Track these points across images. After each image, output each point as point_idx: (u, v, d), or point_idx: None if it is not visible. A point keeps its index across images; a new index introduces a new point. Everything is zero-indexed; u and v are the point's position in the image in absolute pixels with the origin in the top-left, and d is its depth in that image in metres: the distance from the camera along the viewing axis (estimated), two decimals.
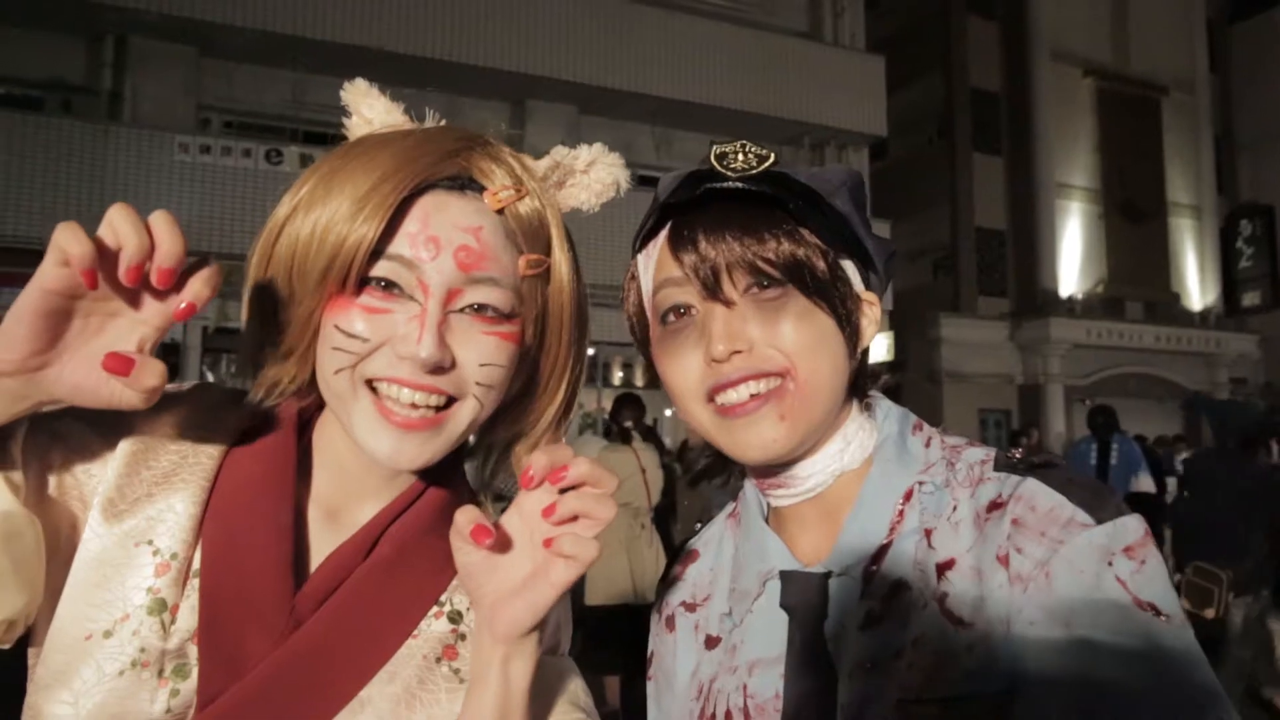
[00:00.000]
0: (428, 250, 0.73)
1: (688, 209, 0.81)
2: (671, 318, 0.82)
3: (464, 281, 0.74)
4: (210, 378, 10.05)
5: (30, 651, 0.74)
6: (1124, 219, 17.70)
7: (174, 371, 9.36)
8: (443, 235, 0.74)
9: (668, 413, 12.93)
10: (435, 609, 0.81)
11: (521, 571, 0.71)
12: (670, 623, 0.96)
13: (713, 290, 0.79)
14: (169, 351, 9.46)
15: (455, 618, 0.82)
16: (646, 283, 0.86)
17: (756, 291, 0.79)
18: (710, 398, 0.80)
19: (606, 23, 11.88)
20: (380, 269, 0.73)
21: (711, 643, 0.89)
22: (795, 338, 0.78)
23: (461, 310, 0.75)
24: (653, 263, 0.84)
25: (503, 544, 0.71)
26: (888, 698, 0.73)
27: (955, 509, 0.78)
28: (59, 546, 0.72)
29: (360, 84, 0.84)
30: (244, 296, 0.80)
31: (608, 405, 12.93)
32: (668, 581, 0.99)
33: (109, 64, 9.83)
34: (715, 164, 0.81)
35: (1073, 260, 17.39)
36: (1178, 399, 18.05)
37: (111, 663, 0.69)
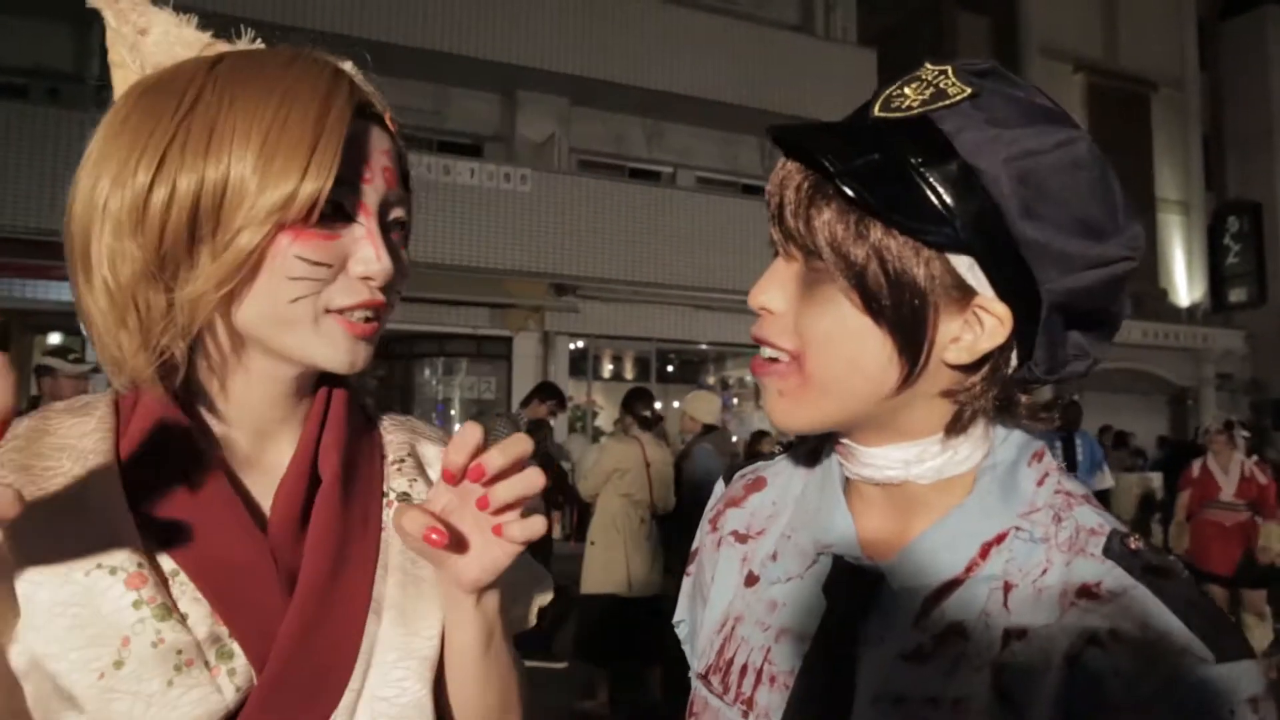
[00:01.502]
0: (366, 173, 0.77)
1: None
2: (773, 248, 0.75)
3: (392, 198, 0.79)
4: None
5: None
6: None
7: None
8: (373, 159, 0.78)
9: (657, 405, 12.94)
10: (385, 499, 0.85)
11: (475, 540, 0.75)
12: (718, 544, 0.92)
13: (777, 237, 0.72)
14: None
15: (405, 498, 0.86)
16: None
17: (808, 256, 0.69)
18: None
19: (598, 14, 11.85)
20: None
21: (751, 580, 0.85)
22: (814, 324, 0.69)
23: (386, 226, 0.79)
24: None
25: (455, 537, 0.74)
26: None
27: (1045, 572, 0.68)
28: None
29: None
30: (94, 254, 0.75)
31: (598, 398, 12.98)
32: (727, 501, 0.94)
33: (96, 52, 9.75)
34: (885, 94, 0.70)
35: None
36: (1164, 394, 18.16)
37: (147, 683, 0.68)
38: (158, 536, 0.73)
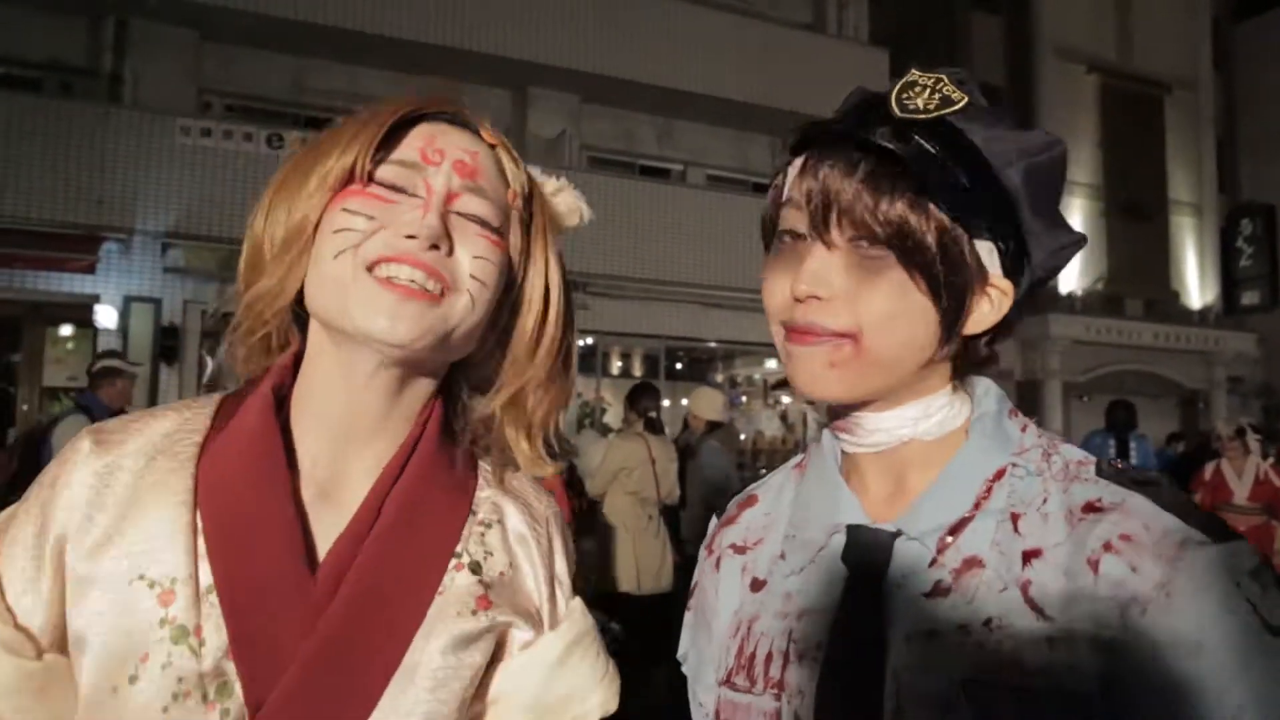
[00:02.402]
0: (434, 157, 0.79)
1: (837, 132, 0.78)
2: (787, 239, 0.80)
3: (461, 187, 0.80)
4: (209, 362, 10.04)
5: None
6: (1125, 216, 17.67)
7: (172, 355, 9.22)
8: (447, 149, 0.80)
9: (665, 403, 12.94)
10: (454, 561, 0.82)
11: None
12: (717, 564, 0.95)
13: (819, 227, 0.76)
14: (168, 334, 9.45)
15: (475, 569, 0.82)
16: (782, 192, 0.82)
17: (859, 244, 0.75)
18: (784, 325, 0.80)
19: (610, 12, 11.84)
20: (387, 172, 0.78)
21: (757, 585, 0.88)
22: (874, 305, 0.75)
23: (459, 214, 0.80)
24: (793, 175, 0.81)
25: None
26: (945, 670, 0.72)
27: (1046, 500, 0.76)
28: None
29: None
30: (240, 266, 0.83)
31: (606, 395, 12.98)
32: (722, 521, 0.99)
33: (109, 46, 9.78)
34: (894, 97, 0.76)
35: (1073, 257, 17.32)
36: (1174, 397, 18.06)
37: (152, 705, 0.69)
38: (210, 544, 0.73)
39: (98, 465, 0.76)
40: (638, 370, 13.45)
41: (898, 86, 0.77)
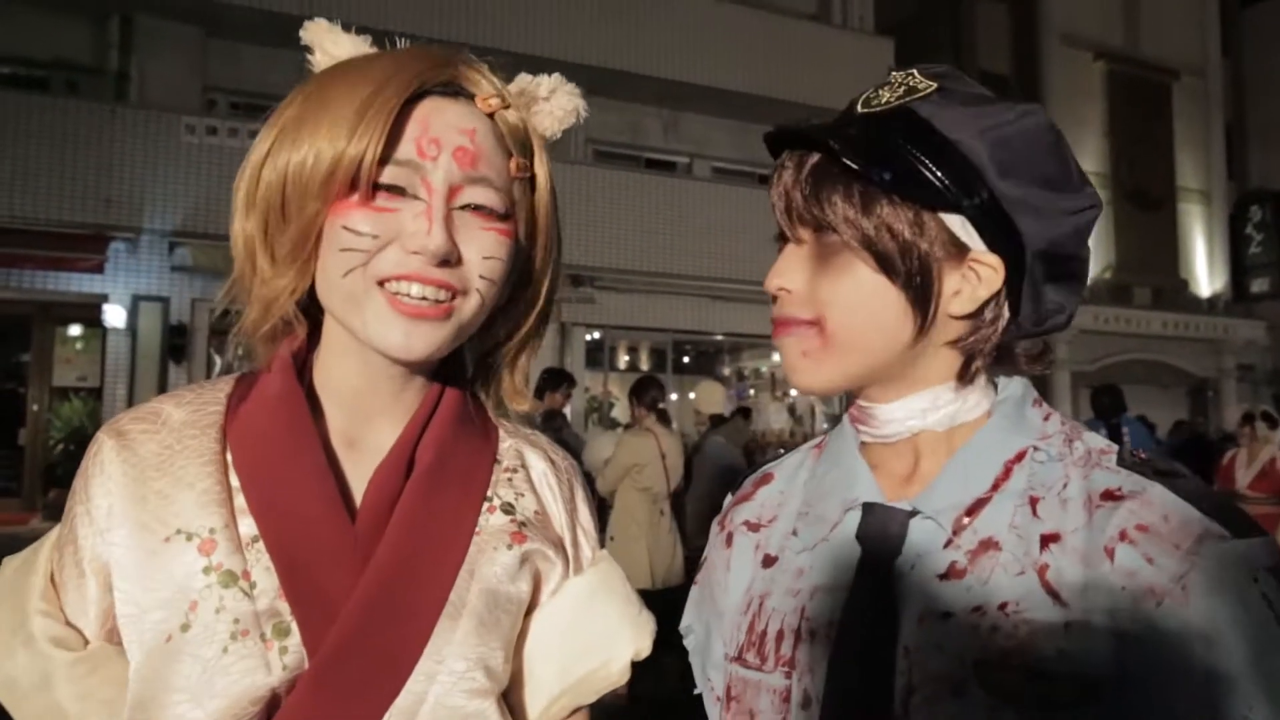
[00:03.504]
0: (430, 150, 0.77)
1: (789, 134, 0.81)
2: (778, 245, 0.84)
3: (463, 179, 0.78)
4: (217, 360, 10.07)
5: None
6: (1133, 205, 17.59)
7: (180, 353, 9.27)
8: (443, 136, 0.77)
9: (673, 396, 12.94)
10: (486, 505, 0.85)
11: None
12: (729, 539, 0.95)
13: (785, 227, 0.81)
14: (176, 333, 9.49)
15: (508, 509, 0.86)
16: None
17: (819, 234, 0.78)
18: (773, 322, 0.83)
19: (614, 4, 11.82)
20: (386, 175, 0.76)
21: (769, 561, 0.89)
22: (833, 290, 0.77)
23: (463, 208, 0.78)
24: None
25: None
26: (958, 651, 0.72)
27: (1066, 485, 0.76)
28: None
29: (321, 22, 0.86)
30: (237, 231, 0.83)
31: (614, 389, 12.99)
32: (736, 498, 0.99)
33: (115, 45, 9.81)
34: (863, 96, 0.81)
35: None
36: (1184, 386, 18.00)
37: (207, 648, 0.71)
38: (249, 499, 0.76)
39: (126, 455, 0.78)
40: (645, 364, 13.45)
41: (872, 87, 0.81)
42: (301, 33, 0.86)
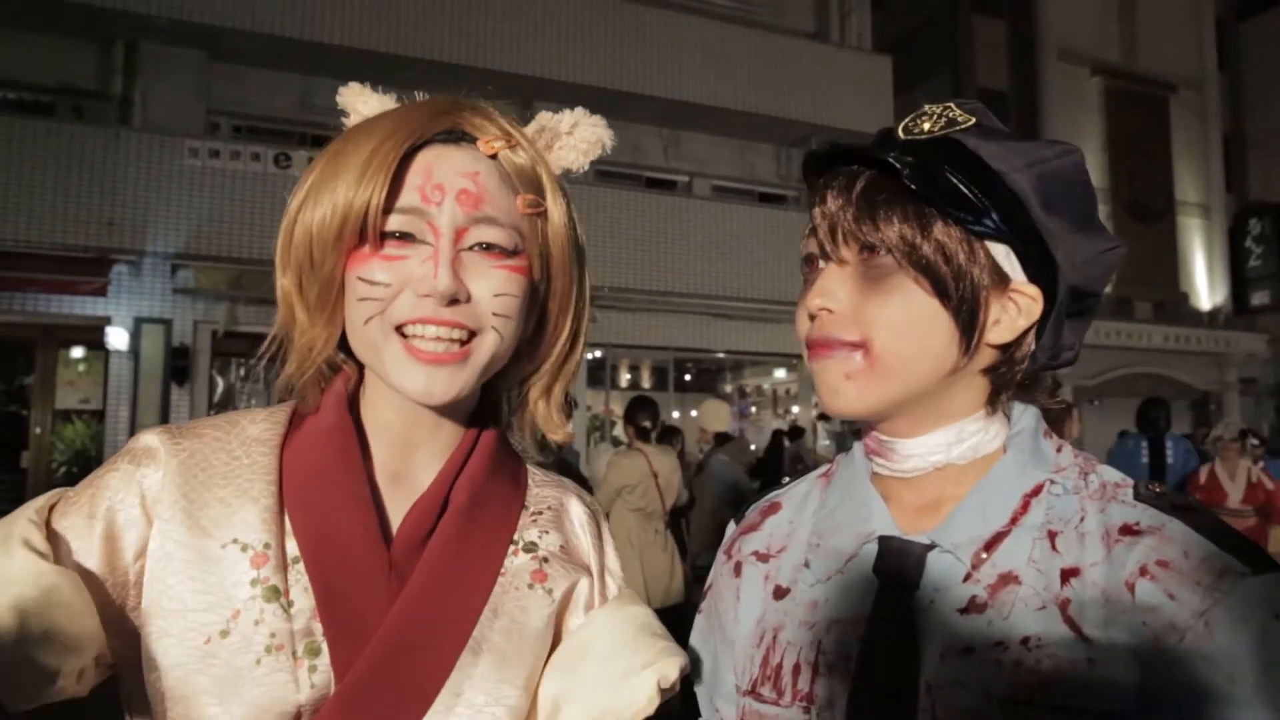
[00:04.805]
0: (434, 196, 0.79)
1: (838, 154, 0.82)
2: (806, 267, 0.84)
3: (468, 221, 0.80)
4: (220, 382, 10.09)
5: (127, 684, 0.78)
6: (1132, 218, 17.62)
7: (183, 375, 9.27)
8: (446, 182, 0.80)
9: (674, 414, 12.91)
10: (512, 547, 0.88)
11: None
12: (738, 569, 0.95)
13: (828, 245, 0.80)
14: (179, 355, 9.50)
15: (531, 548, 0.89)
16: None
17: (867, 256, 0.78)
18: (806, 343, 0.83)
19: (615, 25, 11.89)
20: (393, 223, 0.79)
21: (781, 593, 0.88)
22: (881, 312, 0.77)
23: (471, 249, 0.80)
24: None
25: None
26: (983, 687, 0.72)
27: (1083, 519, 0.76)
28: (122, 582, 0.77)
29: (354, 86, 0.90)
30: (278, 287, 0.85)
31: (616, 408, 12.98)
32: (742, 528, 0.99)
33: (119, 69, 9.87)
34: (902, 125, 0.82)
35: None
36: (1186, 399, 17.96)
37: (242, 656, 0.73)
38: (294, 521, 0.79)
39: (184, 458, 0.81)
40: (646, 382, 13.45)
41: (910, 117, 0.82)
42: (338, 97, 0.90)
